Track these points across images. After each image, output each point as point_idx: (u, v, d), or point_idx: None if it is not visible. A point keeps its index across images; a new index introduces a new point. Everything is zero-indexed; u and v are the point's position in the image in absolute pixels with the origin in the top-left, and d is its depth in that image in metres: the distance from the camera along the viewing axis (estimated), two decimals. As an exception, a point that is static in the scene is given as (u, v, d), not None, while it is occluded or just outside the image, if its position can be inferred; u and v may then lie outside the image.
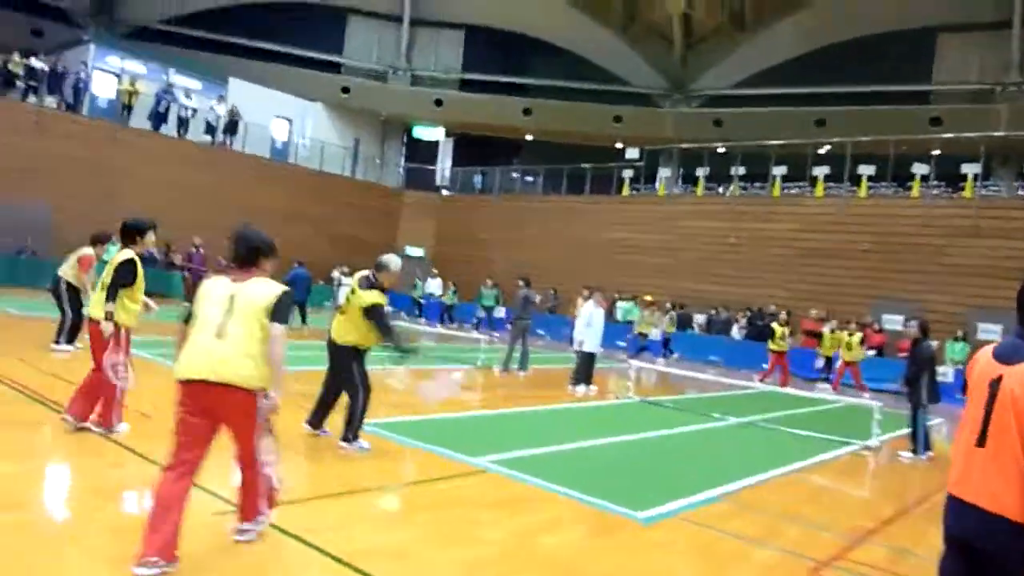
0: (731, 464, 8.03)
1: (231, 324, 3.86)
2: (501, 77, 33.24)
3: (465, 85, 33.74)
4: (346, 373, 6.58)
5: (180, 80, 26.24)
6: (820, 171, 22.93)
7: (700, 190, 25.26)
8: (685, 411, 11.32)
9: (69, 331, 10.25)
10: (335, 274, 16.46)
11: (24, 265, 19.90)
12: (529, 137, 34.49)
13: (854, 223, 21.65)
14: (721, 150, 27.30)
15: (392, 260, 6.80)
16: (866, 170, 22.09)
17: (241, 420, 3.90)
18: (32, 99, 21.61)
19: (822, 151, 24.83)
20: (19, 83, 21.43)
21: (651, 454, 8.11)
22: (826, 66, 29.42)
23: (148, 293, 7.19)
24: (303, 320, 17.33)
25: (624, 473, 6.95)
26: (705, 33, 31.61)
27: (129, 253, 6.27)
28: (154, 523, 3.56)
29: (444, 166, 32.15)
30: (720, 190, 25.87)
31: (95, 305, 6.24)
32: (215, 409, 3.82)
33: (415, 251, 30.99)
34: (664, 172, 26.39)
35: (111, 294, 6.10)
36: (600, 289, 12.72)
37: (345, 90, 32.38)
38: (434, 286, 28.80)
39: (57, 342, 10.23)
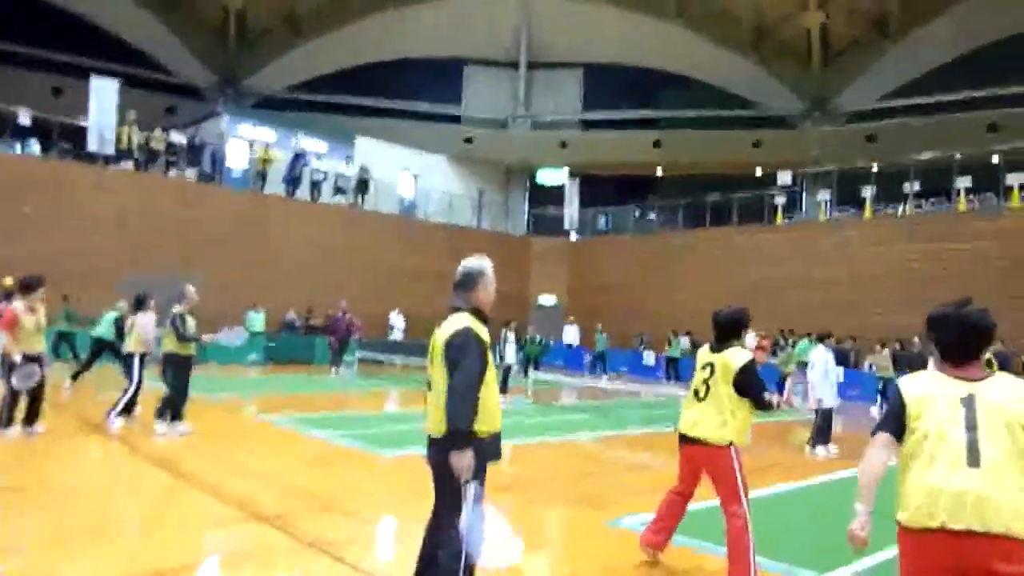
0: None
1: (710, 389, 4.66)
2: (625, 113, 31.90)
3: (587, 125, 32.56)
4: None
5: (307, 143, 26.15)
6: (1016, 179, 20.15)
7: (868, 212, 22.79)
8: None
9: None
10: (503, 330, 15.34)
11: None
12: (659, 172, 32.82)
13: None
14: (875, 168, 24.84)
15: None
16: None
17: (714, 471, 4.61)
18: (173, 172, 21.70)
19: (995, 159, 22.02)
20: (160, 158, 21.58)
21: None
22: (988, 67, 26.57)
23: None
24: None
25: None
26: (844, 45, 29.37)
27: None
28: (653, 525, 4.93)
29: (572, 209, 30.77)
30: (889, 210, 23.30)
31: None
32: (695, 458, 4.72)
33: (548, 300, 29.64)
34: (823, 195, 24.03)
35: None
36: (829, 335, 10.78)
37: (468, 140, 31.78)
38: (571, 335, 27.32)
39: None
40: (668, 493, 4.96)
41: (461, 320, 3.50)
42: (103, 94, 19.74)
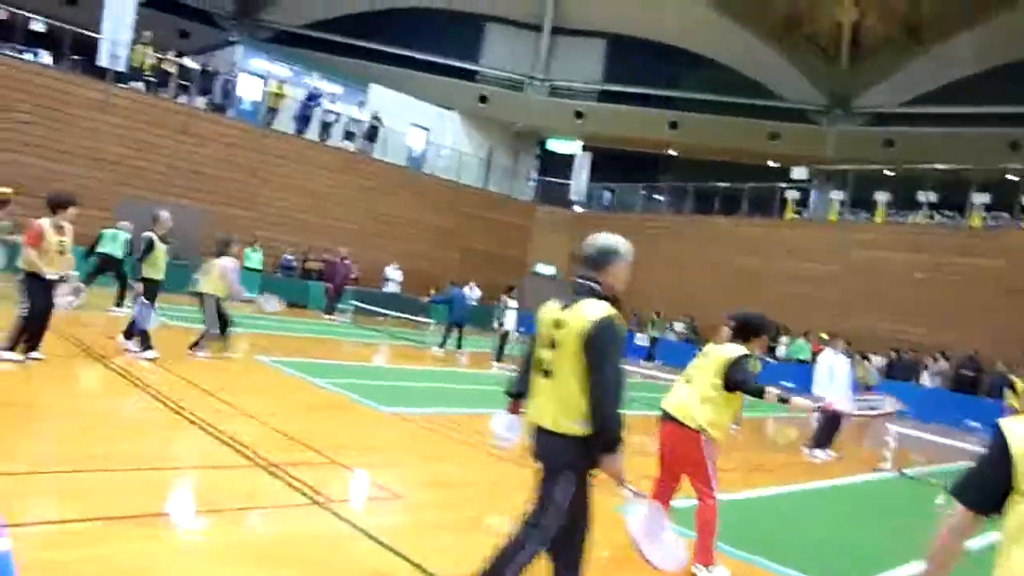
0: None
1: (697, 375, 4.75)
2: (646, 89, 31.34)
3: (605, 97, 32.04)
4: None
5: (322, 85, 25.65)
6: (1032, 201, 19.99)
7: (880, 217, 22.58)
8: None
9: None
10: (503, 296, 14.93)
11: (170, 269, 19.22)
12: (673, 153, 32.44)
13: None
14: (889, 172, 24.66)
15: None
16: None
17: (684, 453, 4.65)
18: (183, 98, 21.17)
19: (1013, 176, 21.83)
20: (171, 83, 21.02)
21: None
22: (1015, 84, 26.18)
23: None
24: (459, 345, 15.85)
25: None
26: (874, 45, 28.87)
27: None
28: None
29: (580, 181, 30.41)
30: (900, 218, 23.12)
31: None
32: (669, 437, 4.74)
33: (547, 269, 29.40)
34: (836, 195, 23.80)
35: None
36: (838, 336, 10.62)
37: (482, 99, 31.20)
38: (565, 307, 27.18)
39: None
40: (654, 482, 4.96)
41: (601, 307, 3.06)
42: (118, 8, 19.10)
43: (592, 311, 3.04)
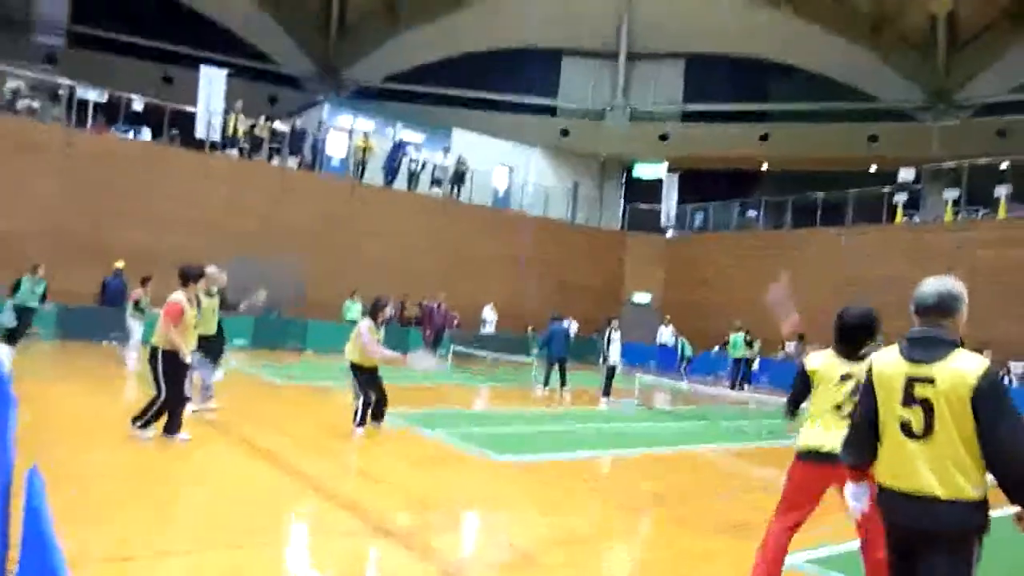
0: None
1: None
2: (730, 105, 30.54)
3: (689, 117, 31.39)
4: None
5: (405, 134, 26.10)
6: None
7: (1002, 212, 20.96)
8: None
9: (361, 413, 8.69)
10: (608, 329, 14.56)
11: (273, 325, 19.74)
12: (765, 167, 31.35)
13: None
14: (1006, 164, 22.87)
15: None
16: None
17: None
18: (276, 160, 21.89)
19: None
20: (264, 146, 21.79)
21: None
22: None
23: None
24: (563, 382, 15.42)
25: None
26: (974, 32, 27.22)
27: None
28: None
29: (669, 205, 29.71)
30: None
31: None
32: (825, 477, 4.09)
33: (642, 298, 28.72)
34: (949, 194, 22.25)
35: None
36: (986, 344, 9.67)
37: (564, 132, 31.10)
38: (666, 335, 26.31)
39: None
40: (784, 530, 4.20)
41: (974, 360, 2.88)
42: (212, 83, 20.08)
43: (970, 365, 2.86)
